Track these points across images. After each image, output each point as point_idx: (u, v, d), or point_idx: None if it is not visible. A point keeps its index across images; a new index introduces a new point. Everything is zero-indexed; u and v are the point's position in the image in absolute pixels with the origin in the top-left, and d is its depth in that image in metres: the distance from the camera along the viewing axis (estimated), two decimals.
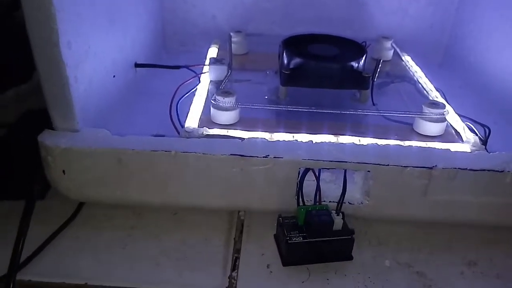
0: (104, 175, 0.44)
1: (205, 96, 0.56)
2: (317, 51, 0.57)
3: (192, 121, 0.50)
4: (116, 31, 0.56)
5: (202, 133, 0.47)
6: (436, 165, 0.43)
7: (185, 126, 0.48)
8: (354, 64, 0.55)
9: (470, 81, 0.70)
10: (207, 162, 0.43)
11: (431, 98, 0.58)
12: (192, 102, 0.54)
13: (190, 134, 0.47)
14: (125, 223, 0.46)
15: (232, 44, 0.63)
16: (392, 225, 0.47)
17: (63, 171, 0.44)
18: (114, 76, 0.55)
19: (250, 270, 0.41)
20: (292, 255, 0.41)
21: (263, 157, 0.43)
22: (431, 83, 0.62)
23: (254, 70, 0.65)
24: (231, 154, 0.43)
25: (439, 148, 0.47)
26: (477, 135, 0.50)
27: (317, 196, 0.44)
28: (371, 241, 0.45)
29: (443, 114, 0.51)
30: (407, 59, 0.71)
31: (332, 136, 0.48)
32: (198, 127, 0.49)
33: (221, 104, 0.50)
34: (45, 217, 0.46)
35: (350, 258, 0.43)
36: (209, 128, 0.48)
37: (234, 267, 0.41)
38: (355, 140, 0.48)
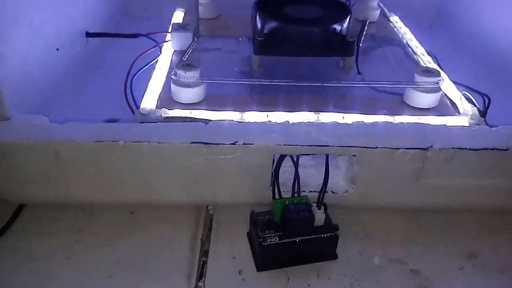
0: (42, 171, 0.37)
1: (167, 70, 0.49)
2: (295, 13, 0.51)
3: (149, 100, 0.43)
4: None
5: (161, 115, 0.41)
6: (431, 146, 0.37)
7: (141, 107, 0.42)
8: (337, 27, 0.49)
9: (465, 43, 0.64)
10: (164, 152, 0.36)
11: (423, 64, 0.52)
12: (150, 78, 0.46)
13: (145, 117, 0.41)
14: (73, 226, 0.39)
15: (200, 7, 0.56)
16: (381, 214, 0.41)
17: None
18: (57, 49, 0.48)
19: (219, 278, 0.35)
20: (267, 259, 0.36)
21: (231, 144, 0.36)
22: (422, 47, 0.56)
23: (225, 37, 0.59)
24: (192, 142, 0.36)
25: (434, 124, 0.41)
26: (475, 105, 0.45)
27: (296, 186, 0.38)
28: (357, 234, 0.40)
29: (438, 83, 0.45)
30: (395, 19, 0.64)
31: (313, 113, 0.42)
32: (156, 108, 0.43)
33: (182, 80, 0.43)
34: None
35: (334, 256, 0.37)
36: (168, 109, 0.42)
37: (201, 275, 0.35)
38: (339, 117, 0.42)
